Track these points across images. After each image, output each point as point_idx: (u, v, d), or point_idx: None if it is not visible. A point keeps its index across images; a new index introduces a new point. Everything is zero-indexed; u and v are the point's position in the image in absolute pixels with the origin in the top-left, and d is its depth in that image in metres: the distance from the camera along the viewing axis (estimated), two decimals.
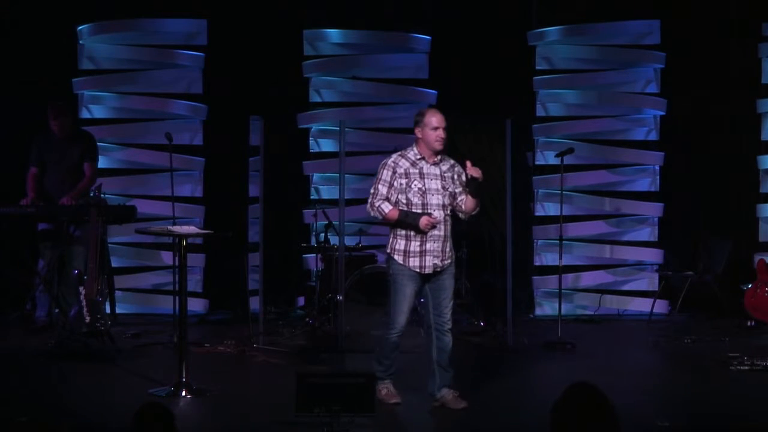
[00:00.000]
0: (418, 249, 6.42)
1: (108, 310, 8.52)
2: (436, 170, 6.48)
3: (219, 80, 10.19)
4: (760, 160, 10.33)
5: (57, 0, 10.06)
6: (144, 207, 9.65)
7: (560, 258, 9.01)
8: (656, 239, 10.45)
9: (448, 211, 6.49)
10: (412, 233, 6.42)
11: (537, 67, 10.39)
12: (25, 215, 8.70)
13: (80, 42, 10.13)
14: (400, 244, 6.48)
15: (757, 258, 9.77)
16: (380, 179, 6.53)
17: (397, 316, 6.49)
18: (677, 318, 9.91)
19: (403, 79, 10.38)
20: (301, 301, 10.23)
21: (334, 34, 10.32)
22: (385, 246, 9.86)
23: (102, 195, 8.32)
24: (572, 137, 10.24)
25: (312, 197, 10.28)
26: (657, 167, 10.40)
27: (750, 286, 9.56)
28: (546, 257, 10.35)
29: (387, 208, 6.47)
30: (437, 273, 6.49)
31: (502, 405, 6.74)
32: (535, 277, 10.34)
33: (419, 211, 6.40)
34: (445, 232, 6.45)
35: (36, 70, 9.93)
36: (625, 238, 10.49)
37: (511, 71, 10.25)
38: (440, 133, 6.44)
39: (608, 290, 10.38)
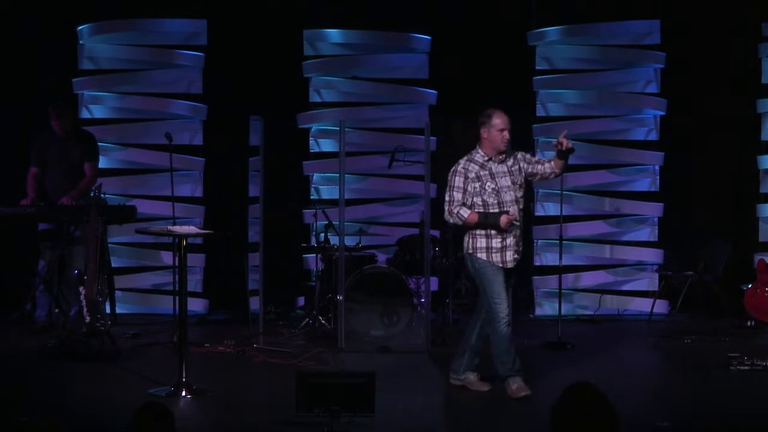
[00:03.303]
0: (499, 245, 6.70)
1: (108, 310, 8.53)
2: (503, 168, 6.78)
3: (219, 80, 10.19)
4: (760, 160, 10.33)
5: (57, 0, 10.06)
6: (144, 207, 9.66)
7: (560, 258, 9.01)
8: (656, 239, 10.45)
9: (521, 205, 6.79)
10: (493, 231, 6.65)
11: (537, 67, 10.39)
12: (25, 215, 8.71)
13: (80, 42, 10.13)
14: (481, 242, 6.72)
15: (757, 258, 9.78)
16: (453, 186, 6.76)
17: (498, 305, 6.67)
18: (677, 318, 9.91)
19: (403, 79, 10.38)
20: (301, 301, 10.23)
21: (334, 34, 10.32)
22: (384, 246, 10.06)
23: (102, 195, 8.33)
24: (572, 137, 10.13)
25: (312, 197, 10.29)
26: (657, 167, 10.40)
27: (750, 286, 9.56)
28: (546, 257, 10.35)
29: (466, 213, 6.69)
30: (510, 269, 6.78)
31: (501, 405, 6.73)
32: (535, 277, 10.34)
33: (495, 210, 6.65)
34: (521, 226, 6.77)
35: (36, 70, 9.93)
36: (625, 238, 10.48)
37: (511, 71, 10.25)
38: (506, 134, 6.78)
39: (608, 290, 10.38)
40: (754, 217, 10.38)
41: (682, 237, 10.28)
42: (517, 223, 6.71)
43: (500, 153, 6.77)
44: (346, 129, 8.81)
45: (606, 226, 10.42)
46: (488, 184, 6.70)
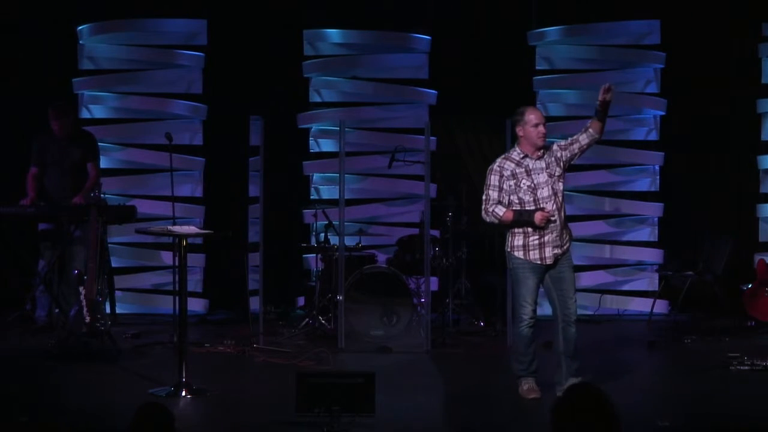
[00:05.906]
0: (536, 242, 6.59)
1: (108, 310, 8.53)
2: (541, 164, 6.66)
3: (219, 80, 10.20)
4: (760, 160, 10.33)
5: (57, 0, 10.06)
6: (144, 207, 9.65)
7: None
8: (656, 239, 10.45)
9: (560, 198, 6.65)
10: (530, 229, 6.58)
11: (537, 67, 10.39)
12: (25, 215, 8.71)
13: (80, 42, 10.13)
14: (519, 239, 6.64)
15: (757, 258, 9.77)
16: (489, 185, 6.68)
17: (522, 308, 6.63)
18: (677, 318, 9.91)
19: (403, 79, 10.38)
20: (301, 301, 10.23)
21: (334, 34, 10.32)
22: (384, 246, 10.05)
23: (102, 195, 8.33)
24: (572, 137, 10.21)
25: (312, 197, 10.29)
26: (657, 167, 10.40)
27: (750, 286, 9.55)
28: None
29: (501, 211, 6.62)
30: (556, 263, 6.65)
31: (502, 405, 6.73)
32: None
33: (532, 207, 6.57)
34: (560, 221, 6.62)
35: (36, 70, 9.93)
36: (625, 238, 10.48)
37: (511, 71, 10.25)
38: (541, 129, 6.66)
39: (608, 290, 10.38)
40: (754, 217, 10.38)
41: (682, 237, 10.28)
42: (554, 219, 6.56)
43: (538, 149, 6.66)
44: (346, 129, 8.81)
45: (606, 226, 10.42)
46: (524, 181, 6.59)
